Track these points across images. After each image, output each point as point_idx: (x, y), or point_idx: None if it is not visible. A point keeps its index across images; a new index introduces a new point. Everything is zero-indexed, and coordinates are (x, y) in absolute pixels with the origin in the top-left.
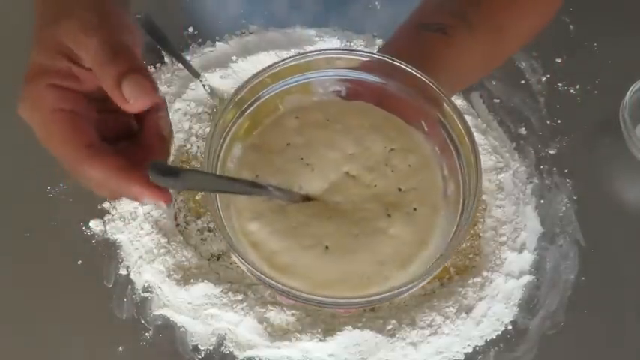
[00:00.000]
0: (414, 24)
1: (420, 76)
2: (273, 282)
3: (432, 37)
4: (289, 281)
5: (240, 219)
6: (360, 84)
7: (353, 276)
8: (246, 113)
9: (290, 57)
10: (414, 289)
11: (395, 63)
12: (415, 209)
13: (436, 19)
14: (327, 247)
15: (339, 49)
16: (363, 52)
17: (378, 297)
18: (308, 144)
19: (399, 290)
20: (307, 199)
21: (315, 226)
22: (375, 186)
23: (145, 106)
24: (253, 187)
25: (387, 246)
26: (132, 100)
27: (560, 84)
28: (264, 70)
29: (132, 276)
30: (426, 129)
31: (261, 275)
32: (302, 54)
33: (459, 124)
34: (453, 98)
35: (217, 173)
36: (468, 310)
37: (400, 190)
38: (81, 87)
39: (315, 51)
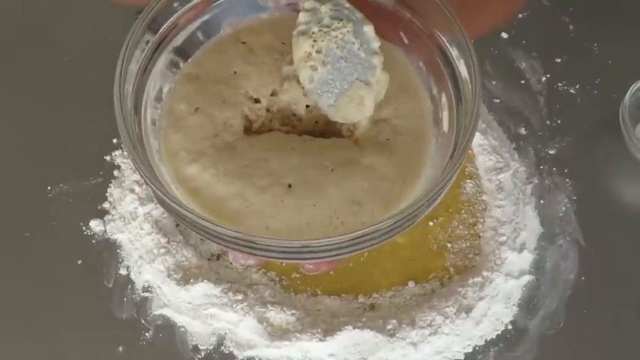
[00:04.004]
0: None
1: None
2: (217, 227)
3: None
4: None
5: (175, 162)
6: None
7: (322, 220)
8: (169, 44)
9: None
10: (399, 230)
11: None
12: (389, 139)
13: None
14: (289, 186)
15: None
16: None
17: (355, 235)
18: (259, 73)
19: (381, 226)
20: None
21: (274, 161)
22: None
23: None
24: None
25: (362, 180)
26: None
27: (560, 84)
28: None
29: (132, 276)
30: (406, 41)
31: (198, 219)
32: None
33: (453, 28)
34: None
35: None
36: (468, 310)
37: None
38: None
39: None
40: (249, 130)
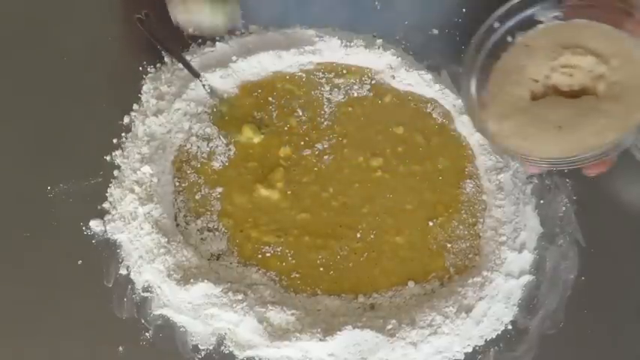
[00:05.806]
0: None
1: None
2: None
3: None
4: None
5: (491, 119)
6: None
7: (582, 145)
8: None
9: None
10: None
11: None
12: (617, 93)
13: None
14: (559, 127)
15: None
16: None
17: (619, 138)
18: (537, 65)
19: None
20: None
21: (550, 114)
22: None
23: None
24: None
25: (600, 118)
26: None
27: None
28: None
29: (132, 276)
30: (630, 27)
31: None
32: None
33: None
34: None
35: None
36: (468, 310)
37: (607, 84)
38: None
39: None
40: (535, 97)
